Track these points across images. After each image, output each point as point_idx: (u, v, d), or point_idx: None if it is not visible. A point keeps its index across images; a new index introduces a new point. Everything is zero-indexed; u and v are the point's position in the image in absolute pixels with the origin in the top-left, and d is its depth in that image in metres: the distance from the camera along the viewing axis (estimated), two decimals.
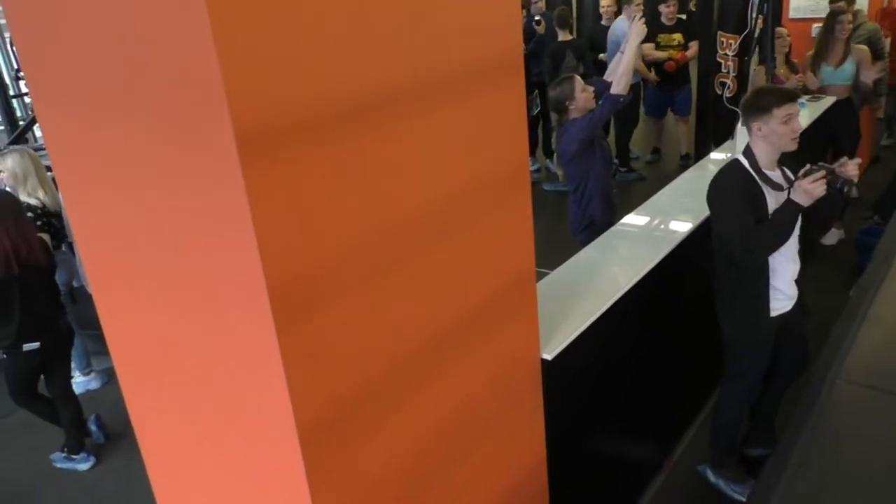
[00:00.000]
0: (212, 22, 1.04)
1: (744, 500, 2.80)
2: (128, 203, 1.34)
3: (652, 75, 6.52)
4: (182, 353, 1.46)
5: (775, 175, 2.49)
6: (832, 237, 5.16)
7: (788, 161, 2.58)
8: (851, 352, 1.81)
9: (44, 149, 4.35)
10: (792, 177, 2.48)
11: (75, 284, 4.13)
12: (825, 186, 2.27)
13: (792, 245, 2.54)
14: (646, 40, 6.19)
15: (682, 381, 3.17)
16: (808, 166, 2.36)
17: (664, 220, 3.25)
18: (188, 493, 1.73)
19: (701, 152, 4.64)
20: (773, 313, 2.58)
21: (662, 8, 6.39)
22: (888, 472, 1.43)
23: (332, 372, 1.39)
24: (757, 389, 2.81)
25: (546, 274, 2.70)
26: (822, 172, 2.28)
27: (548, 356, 2.16)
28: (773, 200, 2.45)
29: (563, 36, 6.33)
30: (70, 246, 3.85)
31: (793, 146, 2.43)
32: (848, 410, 1.62)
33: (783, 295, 2.59)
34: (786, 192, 2.41)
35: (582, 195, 3.56)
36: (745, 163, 2.48)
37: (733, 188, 2.43)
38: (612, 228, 3.26)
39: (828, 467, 1.46)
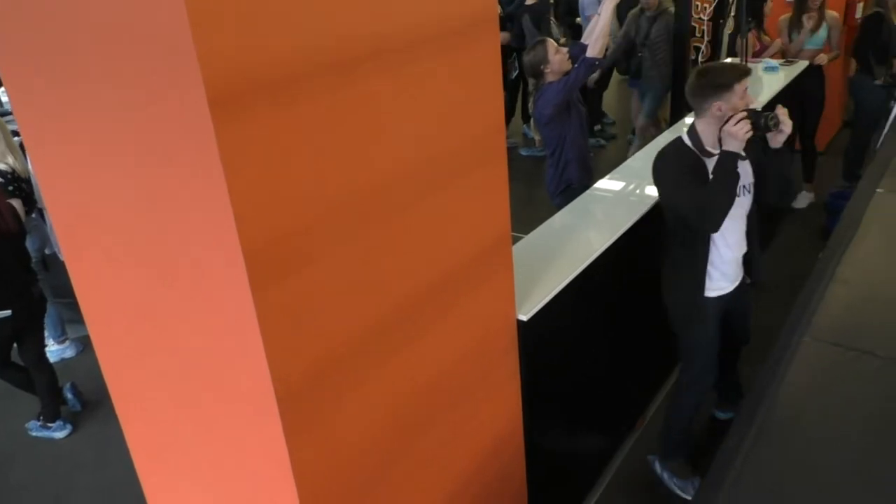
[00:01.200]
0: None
1: (684, 496, 2.84)
2: (99, 167, 1.32)
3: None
4: (157, 318, 1.45)
5: (716, 148, 2.45)
6: (803, 200, 5.24)
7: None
8: (819, 311, 1.85)
9: (10, 114, 4.25)
10: None
11: (47, 252, 4.07)
12: (749, 126, 2.27)
13: (736, 228, 2.53)
14: (634, 7, 6.14)
15: (655, 343, 3.23)
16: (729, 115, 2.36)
17: (639, 183, 3.27)
18: (166, 459, 1.73)
19: (676, 117, 4.67)
20: (712, 293, 2.57)
21: None
22: (853, 425, 1.48)
23: (309, 333, 1.39)
24: (707, 392, 2.83)
25: (522, 238, 2.72)
26: (743, 113, 2.29)
27: (523, 317, 2.18)
28: None
29: None
30: (41, 213, 3.78)
31: None
32: (814, 367, 1.66)
33: (723, 276, 2.58)
34: None
35: (559, 159, 3.57)
36: (689, 142, 2.47)
37: (678, 165, 2.43)
38: (587, 192, 3.28)
39: (794, 423, 1.51)
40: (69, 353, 4.23)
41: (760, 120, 2.31)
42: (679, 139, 2.51)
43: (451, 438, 1.94)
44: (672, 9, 5.34)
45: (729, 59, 5.06)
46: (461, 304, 1.85)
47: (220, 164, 1.11)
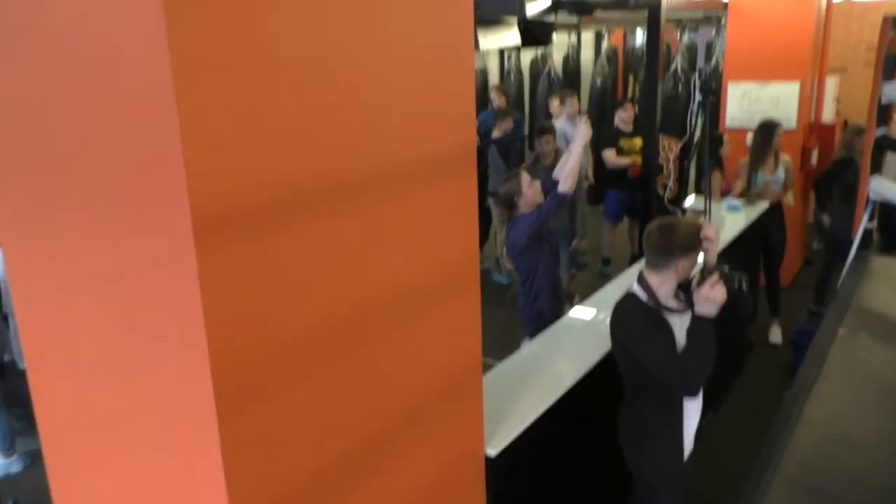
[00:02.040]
0: (178, 103, 1.07)
1: None
2: (74, 280, 1.33)
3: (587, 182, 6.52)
4: (118, 437, 1.41)
5: (672, 301, 2.41)
6: (776, 334, 5.31)
7: (728, 264, 2.65)
8: (786, 454, 1.85)
9: None
10: (682, 295, 2.44)
11: (6, 358, 3.96)
12: (724, 289, 2.25)
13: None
14: (607, 145, 6.44)
15: (626, 478, 3.16)
16: (697, 275, 2.35)
17: (610, 314, 3.32)
18: None
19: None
20: (685, 457, 2.47)
21: (620, 113, 6.39)
22: None
23: (272, 463, 1.36)
24: None
25: (493, 365, 2.72)
26: (716, 276, 2.26)
27: (492, 452, 2.14)
28: (679, 324, 2.37)
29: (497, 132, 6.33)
30: (5, 318, 3.71)
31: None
32: None
33: (691, 435, 2.50)
34: (689, 311, 2.35)
35: (530, 288, 3.64)
36: (644, 297, 2.39)
37: (645, 324, 2.34)
38: (560, 321, 3.32)
39: None
40: (16, 467, 4.02)
41: (733, 283, 2.36)
42: (633, 295, 2.42)
43: None
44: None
45: (693, 196, 5.29)
46: (428, 438, 1.82)
47: (199, 288, 1.13)
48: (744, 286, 2.39)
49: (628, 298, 2.45)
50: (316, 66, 1.31)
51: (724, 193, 5.49)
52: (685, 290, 2.45)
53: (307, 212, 1.34)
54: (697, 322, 2.28)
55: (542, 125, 5.68)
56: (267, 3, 1.20)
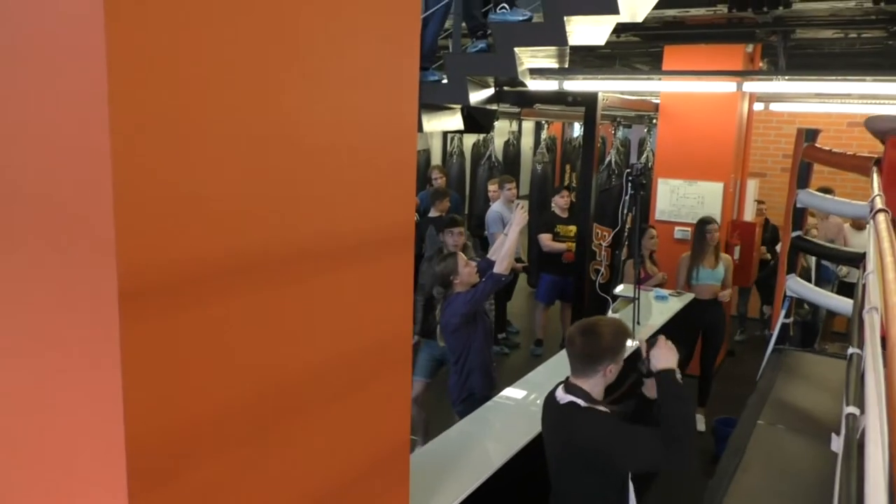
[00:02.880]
0: (113, 172, 1.05)
1: None
2: None
3: (520, 266, 6.59)
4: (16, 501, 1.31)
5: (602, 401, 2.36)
6: (699, 423, 5.39)
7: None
8: None
9: None
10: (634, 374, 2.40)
11: None
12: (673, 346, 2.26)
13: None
14: (544, 231, 6.60)
15: None
16: (644, 345, 2.34)
17: (540, 395, 3.33)
18: None
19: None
20: None
21: (557, 199, 6.57)
22: None
23: None
24: None
25: (421, 443, 2.67)
26: (662, 336, 2.28)
27: None
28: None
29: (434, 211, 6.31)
30: None
31: None
32: None
33: None
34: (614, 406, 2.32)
35: (462, 367, 3.63)
36: (581, 403, 2.29)
37: (611, 420, 2.26)
38: (490, 402, 3.30)
39: None
40: None
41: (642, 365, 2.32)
42: (573, 404, 2.29)
43: None
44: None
45: (623, 286, 5.45)
46: None
47: (120, 359, 1.08)
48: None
49: (573, 412, 2.28)
50: (259, 140, 1.32)
51: (643, 281, 5.66)
52: (633, 365, 2.39)
53: (237, 284, 1.32)
54: (665, 379, 2.20)
55: (451, 217, 5.65)
56: (202, 67, 1.20)
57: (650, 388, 2.32)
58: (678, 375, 2.26)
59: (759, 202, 7.38)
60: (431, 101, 3.14)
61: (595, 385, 2.31)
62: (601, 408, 2.32)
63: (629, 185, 4.78)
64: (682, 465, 2.16)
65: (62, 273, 1.13)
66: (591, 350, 2.28)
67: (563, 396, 2.34)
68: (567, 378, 2.39)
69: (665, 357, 2.24)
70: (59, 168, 1.11)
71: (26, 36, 1.10)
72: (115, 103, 1.04)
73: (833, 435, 2.07)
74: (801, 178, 4.03)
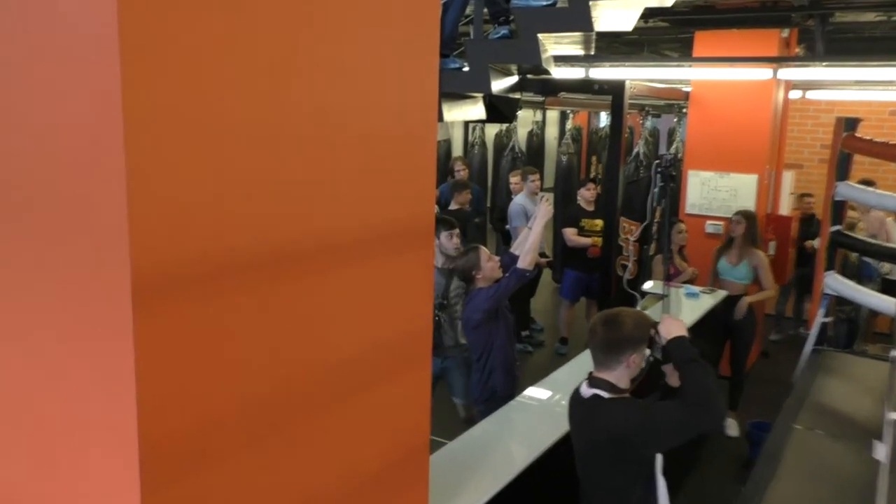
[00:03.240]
0: (126, 164, 1.05)
1: None
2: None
3: (544, 261, 6.50)
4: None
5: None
6: (733, 428, 5.31)
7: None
8: None
9: None
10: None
11: None
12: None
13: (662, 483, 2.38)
14: (568, 225, 6.57)
15: None
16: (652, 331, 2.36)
17: (565, 395, 3.32)
18: None
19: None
20: None
21: (583, 192, 6.54)
22: None
23: None
24: None
25: (443, 443, 2.67)
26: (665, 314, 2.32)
27: None
28: None
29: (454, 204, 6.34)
30: None
31: None
32: None
33: None
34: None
35: (484, 365, 3.62)
36: (605, 394, 2.30)
37: (635, 409, 2.27)
38: (513, 401, 3.29)
39: None
40: None
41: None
42: (598, 397, 2.31)
43: None
44: None
45: (651, 282, 5.39)
46: None
47: (133, 355, 1.09)
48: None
49: (597, 404, 2.30)
50: (274, 131, 1.32)
51: (672, 277, 5.59)
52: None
53: (251, 280, 1.32)
54: (676, 346, 2.23)
55: (462, 182, 5.52)
56: (217, 56, 1.20)
57: (672, 377, 2.32)
58: (687, 342, 2.27)
59: (806, 195, 7.19)
60: (452, 90, 3.12)
61: (619, 376, 2.31)
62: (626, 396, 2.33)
63: (658, 176, 4.73)
64: (710, 425, 2.26)
65: (75, 267, 1.14)
66: (612, 339, 2.30)
67: (587, 391, 2.36)
68: (590, 373, 2.40)
69: (672, 327, 2.28)
70: (72, 161, 1.12)
71: (38, 27, 1.11)
72: (128, 94, 1.04)
73: (875, 441, 2.03)
74: (841, 169, 3.97)
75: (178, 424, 1.21)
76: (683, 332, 2.28)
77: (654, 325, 2.36)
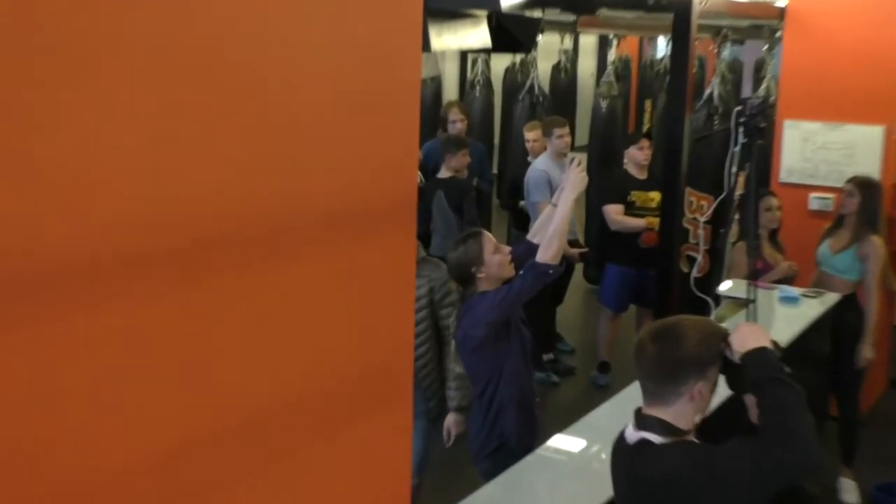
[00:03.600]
0: None
1: None
2: None
3: (576, 252, 6.49)
4: None
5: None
6: (850, 491, 5.30)
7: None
8: None
9: None
10: None
11: None
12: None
13: None
14: (611, 200, 6.56)
15: None
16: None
17: (607, 445, 3.33)
18: None
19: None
20: None
21: (632, 152, 6.55)
22: None
23: None
24: None
25: None
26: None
27: None
28: None
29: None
30: None
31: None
32: None
33: None
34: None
35: (489, 404, 3.60)
36: (657, 439, 2.31)
37: (699, 462, 2.28)
38: (531, 455, 3.30)
39: None
40: None
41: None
42: (646, 442, 2.33)
43: None
44: None
45: (731, 282, 5.39)
46: None
47: None
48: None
49: (645, 451, 2.32)
50: (171, 72, 1.30)
51: (759, 274, 5.58)
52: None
53: (137, 281, 1.31)
54: (757, 363, 2.24)
55: (457, 138, 5.42)
56: None
57: (754, 411, 2.30)
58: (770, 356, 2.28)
59: None
60: (443, 6, 3.12)
61: (678, 413, 2.31)
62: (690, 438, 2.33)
63: (740, 130, 4.73)
64: (799, 470, 2.24)
65: None
66: (668, 361, 2.32)
67: (633, 434, 2.37)
68: (639, 408, 2.40)
69: (749, 336, 2.29)
70: None
71: None
72: None
73: None
74: None
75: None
76: (765, 343, 2.28)
77: (726, 335, 2.37)
